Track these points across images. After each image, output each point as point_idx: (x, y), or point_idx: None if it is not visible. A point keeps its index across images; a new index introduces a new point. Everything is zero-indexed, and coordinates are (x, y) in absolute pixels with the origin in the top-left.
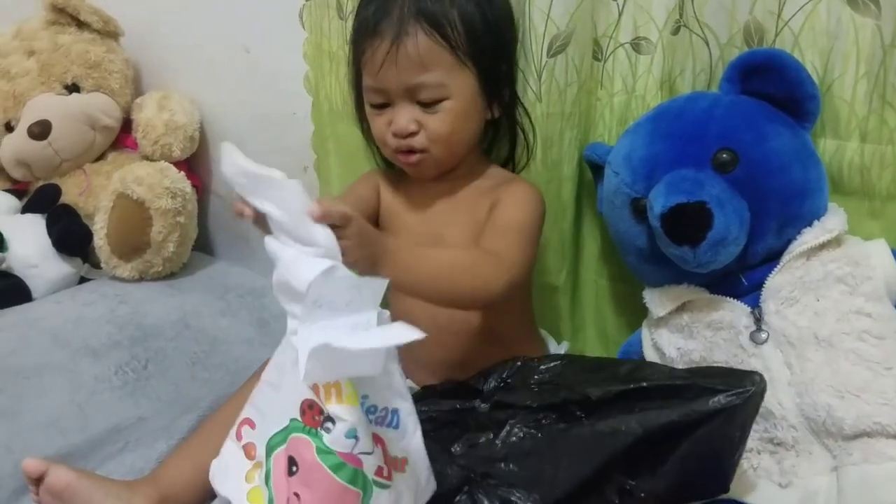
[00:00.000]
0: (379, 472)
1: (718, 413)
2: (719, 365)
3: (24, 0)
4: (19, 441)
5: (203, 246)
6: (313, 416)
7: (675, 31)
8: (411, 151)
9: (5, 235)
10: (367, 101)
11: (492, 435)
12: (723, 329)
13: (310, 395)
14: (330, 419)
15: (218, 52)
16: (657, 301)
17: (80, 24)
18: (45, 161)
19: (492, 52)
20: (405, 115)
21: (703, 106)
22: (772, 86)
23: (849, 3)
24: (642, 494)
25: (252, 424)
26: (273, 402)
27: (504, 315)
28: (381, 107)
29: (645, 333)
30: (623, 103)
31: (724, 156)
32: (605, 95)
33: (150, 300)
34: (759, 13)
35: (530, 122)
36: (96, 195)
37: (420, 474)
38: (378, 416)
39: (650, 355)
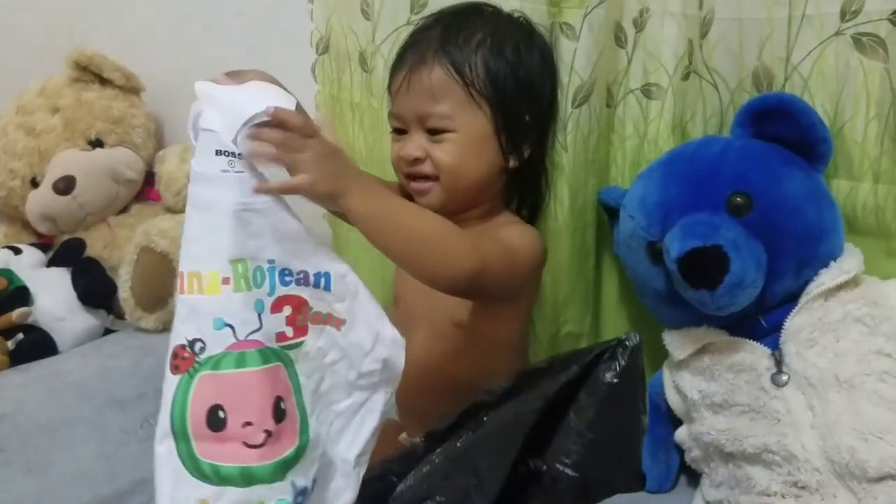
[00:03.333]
0: (281, 337)
1: (606, 366)
2: (741, 407)
3: (48, 58)
4: (48, 495)
5: None
6: (182, 358)
7: (685, 77)
8: (421, 178)
9: (31, 289)
10: (390, 127)
11: (414, 478)
12: (744, 371)
13: (174, 344)
14: (192, 342)
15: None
16: (677, 343)
17: (103, 81)
18: (70, 215)
19: (512, 101)
20: (413, 143)
21: (716, 150)
22: (783, 129)
23: (856, 47)
24: (557, 471)
25: None
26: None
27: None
28: (399, 132)
29: (666, 375)
30: (635, 147)
31: (739, 199)
32: (617, 140)
33: None
34: (767, 58)
35: (546, 180)
36: (120, 247)
37: (363, 340)
38: (296, 278)
39: (672, 398)
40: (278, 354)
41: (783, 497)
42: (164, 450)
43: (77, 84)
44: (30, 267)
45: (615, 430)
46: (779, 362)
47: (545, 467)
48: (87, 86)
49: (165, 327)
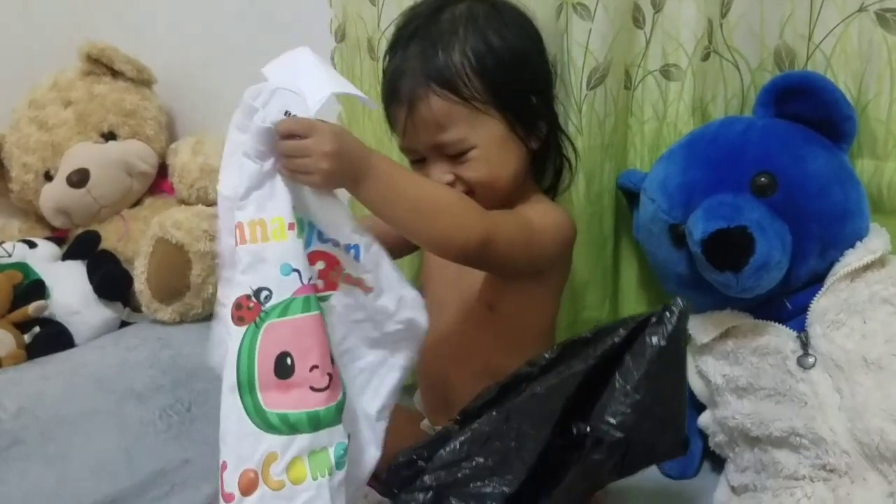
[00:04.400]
0: (314, 288)
1: (654, 329)
2: (766, 390)
3: (59, 53)
4: (68, 488)
5: None
6: (247, 309)
7: (705, 58)
8: None
9: (47, 283)
10: (406, 158)
11: (454, 443)
12: (769, 354)
13: (237, 295)
14: (258, 290)
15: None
16: (700, 328)
17: (115, 74)
18: (85, 208)
19: (514, 91)
20: (438, 170)
21: (738, 130)
22: (807, 108)
23: (880, 23)
24: (602, 431)
25: (225, 465)
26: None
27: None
28: (418, 162)
29: (689, 360)
30: (654, 130)
31: (763, 179)
32: (635, 123)
33: (192, 342)
34: (788, 37)
35: (574, 149)
36: (135, 240)
37: (388, 304)
38: (332, 241)
39: (695, 383)
40: (317, 304)
41: (812, 481)
42: (230, 405)
43: (89, 77)
44: (45, 260)
45: (661, 394)
46: (805, 344)
47: (588, 429)
48: (99, 78)
49: (182, 319)
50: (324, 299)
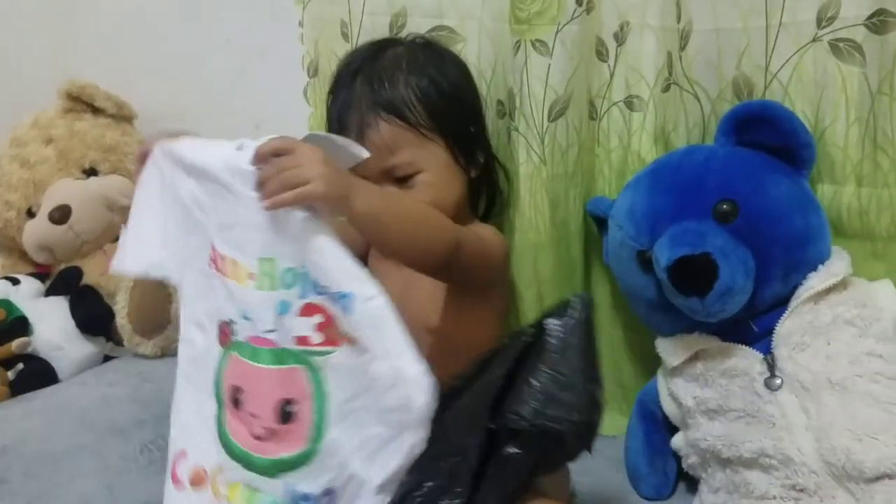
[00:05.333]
0: (303, 341)
1: (552, 324)
2: (736, 412)
3: (41, 92)
4: None
5: None
6: (224, 333)
7: (666, 89)
8: None
9: (30, 319)
10: None
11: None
12: (737, 376)
13: (220, 317)
14: (231, 321)
15: (228, 130)
16: (670, 350)
17: (95, 111)
18: (67, 244)
19: (455, 120)
20: None
21: (700, 159)
22: (766, 136)
23: (833, 52)
24: (509, 426)
25: (184, 453)
26: (191, 380)
27: None
28: None
29: (661, 382)
30: (620, 158)
31: (725, 206)
32: (602, 152)
33: (173, 376)
34: (746, 68)
35: (506, 175)
36: (117, 274)
37: (384, 375)
38: (328, 294)
39: (667, 405)
40: (297, 357)
41: (782, 500)
42: (206, 405)
43: (69, 114)
44: (28, 297)
45: (564, 383)
46: (771, 366)
47: (502, 421)
48: (80, 115)
49: (164, 353)
50: (322, 353)
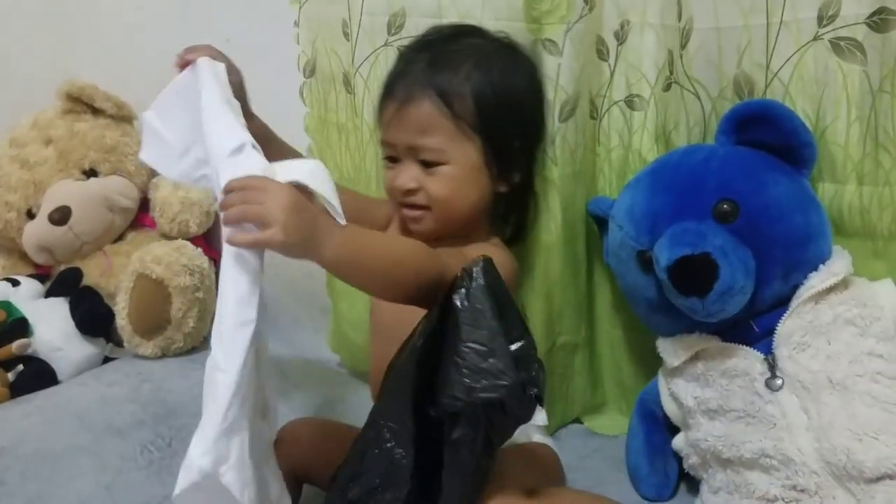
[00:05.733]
0: None
1: (457, 294)
2: (737, 412)
3: (40, 93)
4: None
5: None
6: None
7: (667, 88)
8: (414, 206)
9: (30, 320)
10: (382, 154)
11: (343, 465)
12: (738, 377)
13: None
14: None
15: None
16: (671, 351)
17: (95, 111)
18: (67, 245)
19: (501, 127)
20: (407, 173)
21: (700, 158)
22: (767, 135)
23: (834, 51)
24: (450, 405)
25: None
26: None
27: None
28: (392, 160)
29: (661, 383)
30: (621, 158)
31: (725, 206)
32: (603, 151)
33: (173, 376)
34: (746, 66)
35: (534, 202)
36: (117, 275)
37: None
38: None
39: (668, 405)
40: None
41: (783, 501)
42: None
43: (69, 115)
44: (28, 298)
45: (484, 352)
46: (772, 366)
47: (440, 408)
48: (80, 116)
49: (163, 353)
50: None
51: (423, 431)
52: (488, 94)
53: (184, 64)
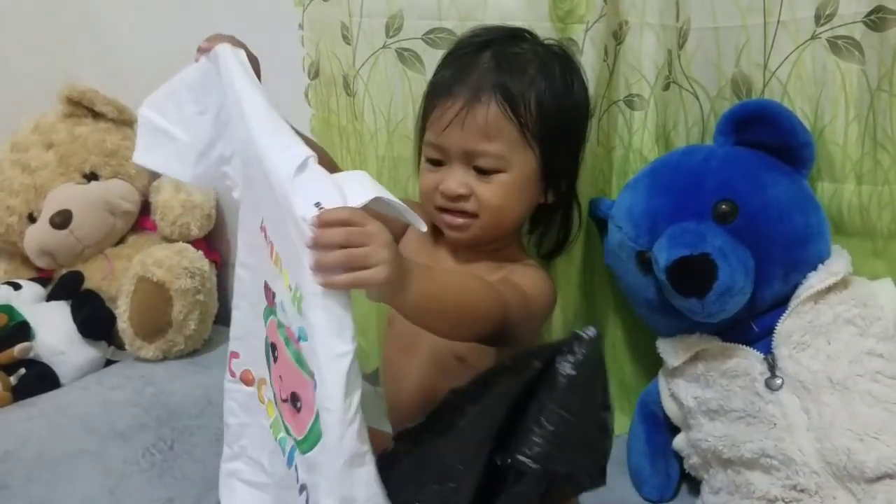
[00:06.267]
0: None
1: (564, 359)
2: (737, 412)
3: (41, 96)
4: None
5: (225, 318)
6: (269, 296)
7: (666, 87)
8: (460, 213)
9: (32, 324)
10: (424, 155)
11: (393, 476)
12: (738, 377)
13: (267, 277)
14: (275, 294)
15: None
16: (671, 351)
17: (96, 115)
18: (68, 249)
19: (559, 138)
20: (457, 178)
21: (699, 159)
22: (765, 135)
23: (832, 50)
24: (521, 463)
25: (237, 354)
26: (248, 298)
27: None
28: (436, 163)
29: (662, 383)
30: (621, 158)
31: (724, 207)
32: (602, 151)
33: (175, 379)
34: (745, 65)
35: (579, 214)
36: (118, 278)
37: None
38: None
39: (668, 405)
40: (311, 376)
41: (784, 501)
42: (260, 328)
43: (70, 119)
44: (30, 302)
45: (575, 424)
46: (772, 366)
47: (510, 461)
48: (80, 120)
49: (165, 356)
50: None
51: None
52: (550, 102)
53: (201, 53)
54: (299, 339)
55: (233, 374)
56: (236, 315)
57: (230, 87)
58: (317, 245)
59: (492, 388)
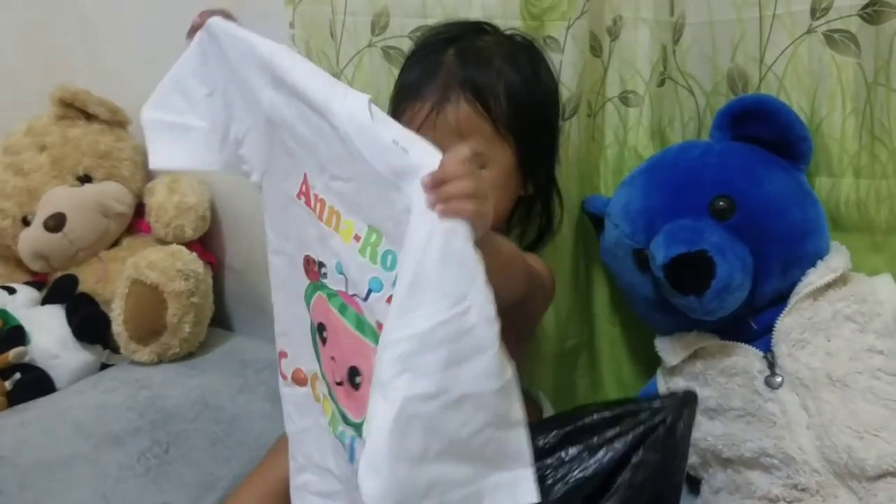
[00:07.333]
0: (381, 327)
1: (650, 445)
2: (736, 411)
3: (33, 99)
4: None
5: (220, 321)
6: (312, 269)
7: (661, 83)
8: None
9: (27, 328)
10: None
11: None
12: (737, 375)
13: (308, 252)
14: (322, 264)
15: None
16: (669, 350)
17: (89, 117)
18: (62, 252)
19: (534, 129)
20: None
21: (696, 155)
22: (762, 130)
23: (828, 43)
24: None
25: (285, 353)
26: (285, 286)
27: None
28: None
29: (660, 382)
30: (616, 155)
31: (721, 203)
32: (597, 149)
33: (170, 382)
34: (740, 60)
35: (560, 202)
36: (113, 281)
37: None
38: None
39: None
40: (375, 337)
41: (785, 500)
42: (305, 317)
43: (63, 121)
44: (24, 306)
45: (661, 485)
46: (771, 364)
47: None
48: (73, 122)
49: (160, 359)
50: None
51: None
52: (520, 93)
53: (193, 33)
54: (370, 291)
55: (284, 377)
56: (277, 309)
57: (238, 58)
58: (447, 178)
59: (567, 446)
